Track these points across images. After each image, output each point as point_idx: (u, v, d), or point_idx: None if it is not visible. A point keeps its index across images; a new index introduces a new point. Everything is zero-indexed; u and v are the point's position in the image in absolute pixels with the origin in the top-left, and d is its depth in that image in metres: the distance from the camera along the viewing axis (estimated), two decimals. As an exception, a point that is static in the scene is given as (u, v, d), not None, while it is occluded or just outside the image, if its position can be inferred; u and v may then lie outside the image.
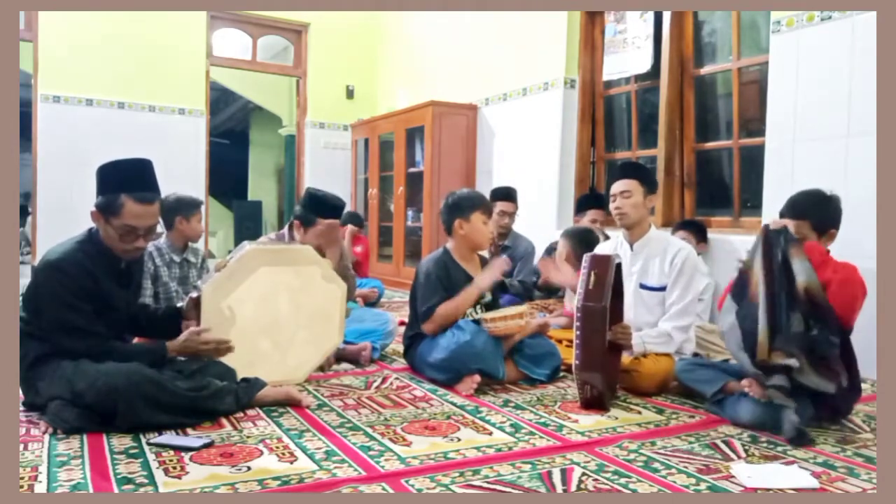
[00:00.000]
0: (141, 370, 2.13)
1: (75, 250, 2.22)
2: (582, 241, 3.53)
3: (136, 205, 2.19)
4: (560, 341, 3.04)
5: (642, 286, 2.91)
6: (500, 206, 4.32)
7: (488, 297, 2.95)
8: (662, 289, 2.87)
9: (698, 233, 3.81)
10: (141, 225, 2.23)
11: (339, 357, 3.15)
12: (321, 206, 3.09)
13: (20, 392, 2.23)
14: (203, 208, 3.70)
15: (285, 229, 3.22)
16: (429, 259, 2.99)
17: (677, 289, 2.83)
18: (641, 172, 2.95)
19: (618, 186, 2.90)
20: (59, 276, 2.16)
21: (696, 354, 2.98)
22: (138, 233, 2.23)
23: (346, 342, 3.15)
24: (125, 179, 2.21)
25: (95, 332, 2.21)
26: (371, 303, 4.96)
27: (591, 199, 4.41)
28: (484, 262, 3.06)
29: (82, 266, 2.19)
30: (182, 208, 3.46)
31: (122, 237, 2.22)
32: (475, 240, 2.94)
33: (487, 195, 3.93)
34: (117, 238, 2.22)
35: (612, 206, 2.92)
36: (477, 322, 2.77)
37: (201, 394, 2.21)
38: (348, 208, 6.85)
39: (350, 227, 5.50)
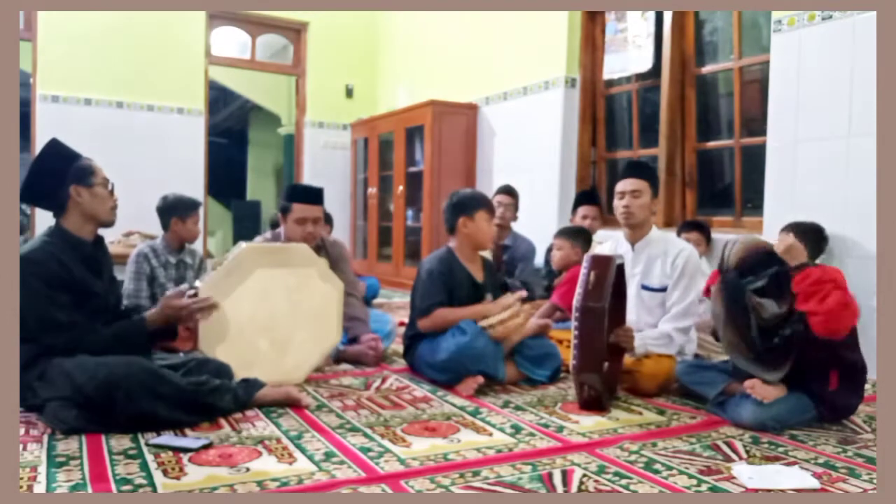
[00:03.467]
0: (141, 361, 2.15)
1: (44, 243, 2.25)
2: (572, 234, 3.64)
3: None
4: (561, 342, 3.03)
5: (644, 287, 2.91)
6: (497, 198, 4.34)
7: (490, 300, 2.94)
8: (663, 290, 2.86)
9: (706, 235, 3.80)
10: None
11: (341, 359, 3.14)
12: (293, 192, 3.20)
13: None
14: (201, 210, 3.67)
15: (280, 228, 3.22)
16: (432, 257, 2.98)
17: (678, 290, 2.83)
18: (651, 173, 2.95)
19: (627, 185, 2.87)
20: (33, 268, 2.17)
21: (696, 355, 2.98)
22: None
23: (345, 342, 3.15)
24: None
25: (76, 324, 2.21)
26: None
27: (582, 195, 4.41)
28: (486, 264, 3.06)
29: (53, 255, 2.22)
30: (178, 209, 3.44)
31: (103, 202, 2.30)
32: (478, 239, 2.93)
33: (488, 195, 3.91)
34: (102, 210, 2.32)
35: (618, 203, 2.89)
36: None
37: (201, 388, 2.21)
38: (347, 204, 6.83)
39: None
